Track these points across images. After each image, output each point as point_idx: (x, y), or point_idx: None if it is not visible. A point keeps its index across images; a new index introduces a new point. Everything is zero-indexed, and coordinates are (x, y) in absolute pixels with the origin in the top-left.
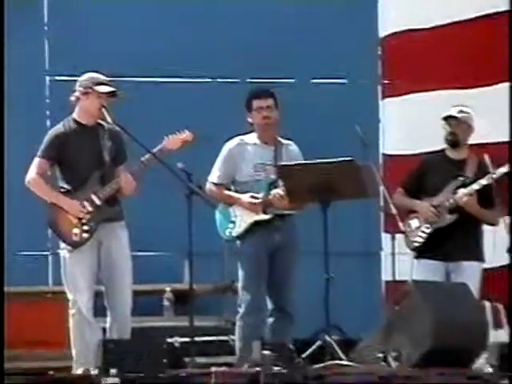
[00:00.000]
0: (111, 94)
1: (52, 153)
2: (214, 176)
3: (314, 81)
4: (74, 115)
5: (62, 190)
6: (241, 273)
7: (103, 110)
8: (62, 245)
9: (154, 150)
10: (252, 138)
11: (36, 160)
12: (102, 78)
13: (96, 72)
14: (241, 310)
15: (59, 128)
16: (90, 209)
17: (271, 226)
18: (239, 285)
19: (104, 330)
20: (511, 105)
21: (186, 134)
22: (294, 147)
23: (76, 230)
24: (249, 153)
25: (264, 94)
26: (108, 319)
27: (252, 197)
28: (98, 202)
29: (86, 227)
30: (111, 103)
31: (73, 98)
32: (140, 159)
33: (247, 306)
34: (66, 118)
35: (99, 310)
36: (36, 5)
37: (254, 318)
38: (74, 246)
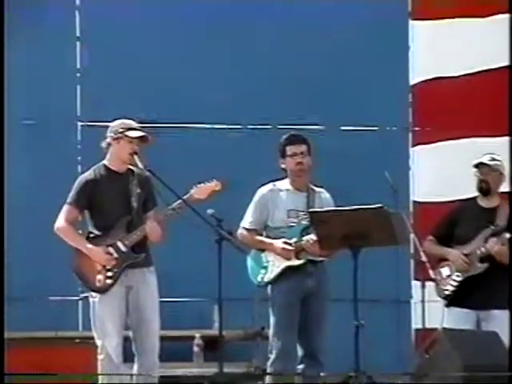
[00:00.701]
0: (142, 139)
1: (81, 200)
2: (247, 221)
3: (344, 128)
4: (105, 161)
5: (91, 236)
6: (272, 318)
7: (135, 156)
8: (93, 293)
9: (184, 198)
10: (285, 184)
11: (65, 207)
12: (133, 123)
13: (127, 118)
14: (272, 357)
15: (89, 174)
16: (115, 255)
17: (303, 272)
18: (270, 331)
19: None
20: None
21: (214, 184)
22: (326, 195)
23: (100, 277)
24: (281, 199)
25: (298, 140)
26: (135, 365)
27: (285, 242)
28: (123, 248)
29: (109, 273)
30: (142, 149)
31: (104, 145)
32: (171, 206)
33: (278, 352)
34: (97, 164)
35: (129, 356)
36: (68, 50)
37: (284, 364)
38: (98, 291)
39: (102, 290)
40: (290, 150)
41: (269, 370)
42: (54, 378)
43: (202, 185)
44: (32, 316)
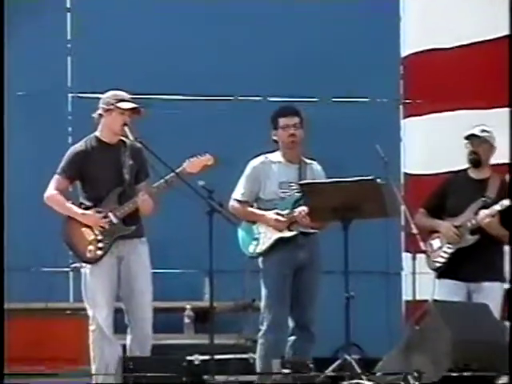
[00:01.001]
0: (134, 110)
1: (71, 170)
2: (238, 193)
3: (336, 99)
4: (97, 133)
5: (83, 206)
6: (263, 290)
7: (126, 127)
8: (83, 264)
9: (170, 176)
10: (276, 156)
11: (55, 177)
12: (125, 95)
13: (119, 89)
14: (262, 328)
15: (80, 146)
16: (106, 226)
17: (295, 244)
18: (262, 302)
19: (124, 346)
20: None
21: (207, 158)
22: (317, 167)
23: (91, 247)
24: (273, 171)
25: (291, 112)
26: (128, 336)
27: (277, 214)
28: (114, 220)
29: (100, 244)
30: (134, 121)
31: (95, 116)
32: (163, 178)
33: (269, 323)
34: (88, 135)
35: (121, 327)
36: (59, 22)
37: (275, 335)
38: (88, 262)
39: (93, 261)
40: (282, 121)
41: (260, 342)
42: (54, 378)
43: (195, 158)
44: (24, 287)
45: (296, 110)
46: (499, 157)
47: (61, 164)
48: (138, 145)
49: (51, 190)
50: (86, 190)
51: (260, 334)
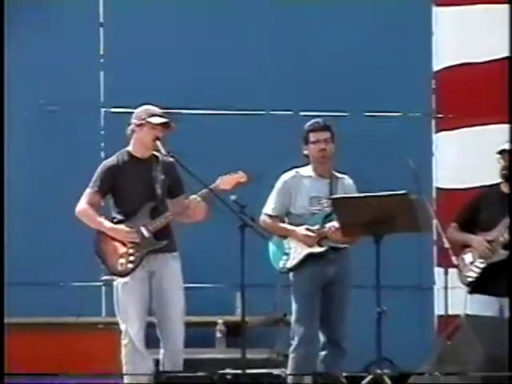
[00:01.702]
0: (165, 125)
1: (103, 185)
2: (269, 208)
3: (368, 114)
4: (129, 148)
5: (114, 221)
6: (294, 305)
7: (157, 141)
8: (114, 277)
9: (204, 191)
10: (307, 170)
11: (87, 191)
12: (157, 109)
13: (151, 104)
14: (294, 343)
15: (112, 160)
16: (137, 240)
17: (325, 259)
18: (292, 317)
19: (157, 361)
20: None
21: (240, 175)
22: (348, 181)
23: (122, 260)
24: (304, 185)
25: (321, 127)
26: (161, 350)
27: (307, 229)
28: (146, 234)
29: (131, 258)
30: (166, 135)
31: (128, 131)
32: (197, 194)
33: (300, 338)
34: (120, 151)
35: (153, 341)
36: (93, 37)
37: (306, 350)
38: (119, 275)
39: (124, 274)
40: (313, 136)
41: (291, 356)
42: (54, 378)
43: (228, 176)
44: (55, 301)
45: (326, 125)
46: None
47: (93, 178)
48: (171, 159)
49: (82, 204)
50: (117, 205)
51: (291, 348)
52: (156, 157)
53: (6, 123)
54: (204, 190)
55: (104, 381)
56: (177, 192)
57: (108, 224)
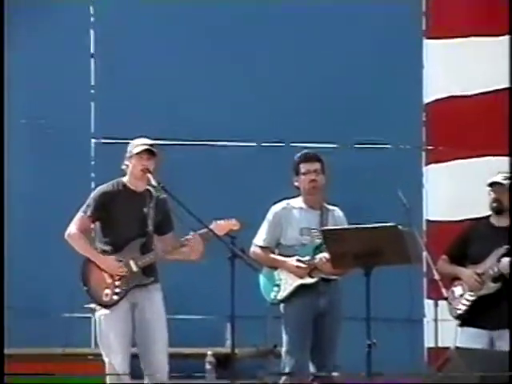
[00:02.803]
0: (151, 154)
1: (95, 211)
2: (260, 239)
3: (358, 145)
4: (124, 179)
5: (98, 250)
6: (285, 336)
7: (148, 174)
8: (98, 307)
9: (202, 232)
10: (298, 202)
11: (78, 215)
12: (146, 141)
13: (142, 136)
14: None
15: (107, 187)
16: (125, 273)
17: (316, 291)
18: (283, 348)
19: None
20: None
21: (233, 223)
22: (339, 213)
23: (107, 291)
24: (295, 217)
25: (312, 158)
26: (145, 381)
27: (298, 260)
28: (135, 268)
29: (117, 290)
30: (157, 168)
31: (123, 167)
32: (198, 233)
33: (291, 369)
34: (116, 179)
35: (139, 372)
36: (83, 68)
37: (297, 382)
38: (104, 306)
39: (109, 305)
40: (303, 167)
41: None
42: (53, 379)
43: (222, 222)
44: (40, 331)
45: (317, 156)
46: None
47: (86, 203)
48: (163, 195)
49: (73, 229)
50: (106, 234)
51: (282, 380)
52: (150, 192)
53: (5, 125)
54: (203, 231)
55: None
56: (166, 229)
57: (97, 253)
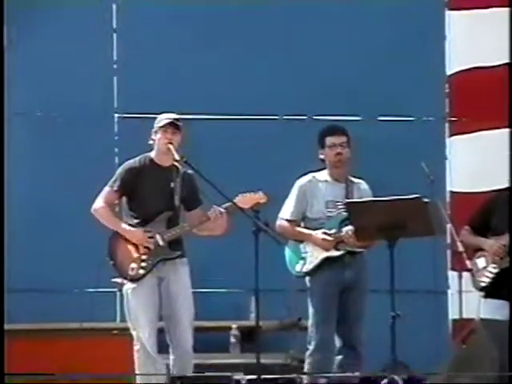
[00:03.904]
0: (174, 126)
1: (122, 185)
2: (287, 212)
3: (381, 118)
4: (151, 154)
5: (128, 224)
6: (311, 309)
7: (170, 145)
8: (124, 281)
9: (226, 205)
10: (323, 175)
11: (105, 189)
12: (171, 115)
13: (167, 111)
14: (310, 347)
15: (134, 163)
16: (151, 247)
17: (342, 263)
18: (309, 321)
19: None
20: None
21: (260, 196)
22: (364, 186)
23: (133, 265)
24: (320, 190)
25: (338, 131)
26: (171, 356)
27: (324, 233)
28: (161, 242)
29: (143, 264)
30: (181, 143)
31: (150, 142)
32: (222, 206)
33: (317, 343)
34: (134, 156)
35: (167, 347)
36: (105, 43)
37: (322, 355)
38: (130, 280)
39: (134, 279)
40: (329, 140)
41: (307, 361)
42: (53, 378)
43: (247, 194)
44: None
45: (343, 129)
46: None
47: (113, 178)
48: (190, 171)
49: (100, 203)
50: (133, 208)
51: (307, 353)
52: (177, 168)
53: (5, 124)
54: (227, 204)
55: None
56: (194, 204)
57: (126, 226)
